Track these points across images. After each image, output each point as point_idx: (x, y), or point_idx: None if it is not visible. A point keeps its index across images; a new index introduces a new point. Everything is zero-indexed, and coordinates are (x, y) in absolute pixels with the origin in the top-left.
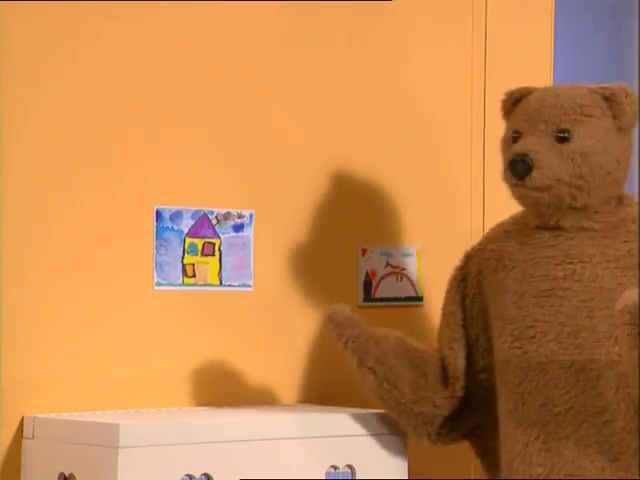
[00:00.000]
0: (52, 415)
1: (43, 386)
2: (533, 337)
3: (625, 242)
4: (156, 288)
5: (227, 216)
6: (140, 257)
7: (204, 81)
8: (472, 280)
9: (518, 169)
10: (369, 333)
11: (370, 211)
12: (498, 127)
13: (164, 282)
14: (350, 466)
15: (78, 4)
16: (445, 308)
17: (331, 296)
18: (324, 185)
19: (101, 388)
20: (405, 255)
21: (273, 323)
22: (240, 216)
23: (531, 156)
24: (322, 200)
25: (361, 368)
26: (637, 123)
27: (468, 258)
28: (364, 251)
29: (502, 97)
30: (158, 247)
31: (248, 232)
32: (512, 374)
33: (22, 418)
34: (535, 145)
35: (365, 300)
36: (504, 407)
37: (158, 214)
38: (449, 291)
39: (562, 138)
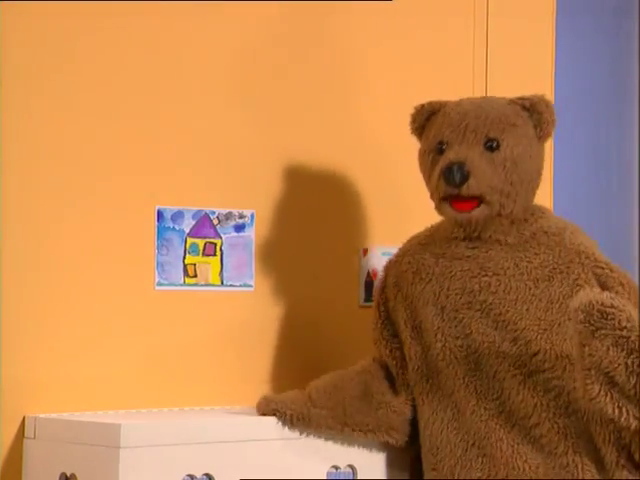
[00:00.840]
0: (53, 415)
1: (44, 386)
2: (461, 347)
3: (537, 254)
4: (157, 288)
5: (228, 216)
6: (141, 257)
7: (205, 81)
8: (390, 292)
9: (455, 177)
10: (304, 401)
11: (371, 211)
12: None
13: (165, 282)
14: (351, 466)
15: (78, 4)
16: (374, 322)
17: (332, 296)
18: (325, 185)
19: (102, 388)
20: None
21: (274, 323)
22: (241, 216)
23: (467, 164)
24: (323, 200)
25: (319, 430)
26: (551, 134)
27: (386, 270)
28: (365, 251)
29: (412, 111)
30: (159, 247)
31: (249, 232)
32: (434, 386)
33: (23, 418)
34: (468, 154)
35: (366, 300)
36: (442, 415)
37: (159, 214)
38: (374, 305)
39: (491, 147)
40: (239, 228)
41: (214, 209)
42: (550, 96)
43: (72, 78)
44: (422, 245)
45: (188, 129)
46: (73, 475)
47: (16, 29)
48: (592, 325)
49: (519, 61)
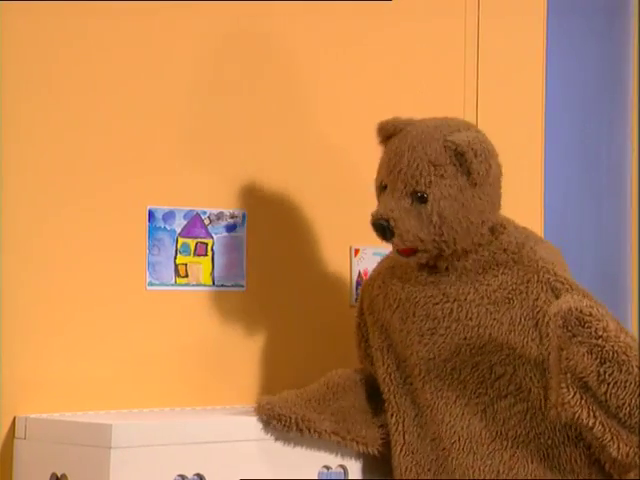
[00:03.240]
0: (44, 415)
1: (35, 386)
2: (419, 374)
3: (495, 276)
4: (149, 288)
5: (220, 216)
6: (133, 257)
7: (196, 82)
8: (366, 315)
9: (380, 234)
10: (307, 406)
11: (362, 211)
12: (492, 127)
13: (157, 282)
14: (342, 466)
15: (78, 4)
16: (357, 342)
17: (323, 296)
18: (316, 185)
19: (93, 388)
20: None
21: (265, 323)
22: (233, 216)
23: (390, 223)
24: (314, 200)
25: (319, 436)
26: (494, 174)
27: (362, 292)
28: (356, 251)
29: (377, 126)
30: (151, 247)
31: (241, 232)
32: (408, 408)
33: (14, 418)
34: (394, 210)
35: (357, 300)
36: (407, 439)
37: (151, 214)
38: (355, 325)
39: (420, 198)
40: (230, 228)
41: (205, 209)
42: (540, 97)
43: (66, 79)
44: (391, 269)
45: (179, 129)
46: (64, 475)
47: (16, 29)
48: (569, 331)
49: (510, 61)
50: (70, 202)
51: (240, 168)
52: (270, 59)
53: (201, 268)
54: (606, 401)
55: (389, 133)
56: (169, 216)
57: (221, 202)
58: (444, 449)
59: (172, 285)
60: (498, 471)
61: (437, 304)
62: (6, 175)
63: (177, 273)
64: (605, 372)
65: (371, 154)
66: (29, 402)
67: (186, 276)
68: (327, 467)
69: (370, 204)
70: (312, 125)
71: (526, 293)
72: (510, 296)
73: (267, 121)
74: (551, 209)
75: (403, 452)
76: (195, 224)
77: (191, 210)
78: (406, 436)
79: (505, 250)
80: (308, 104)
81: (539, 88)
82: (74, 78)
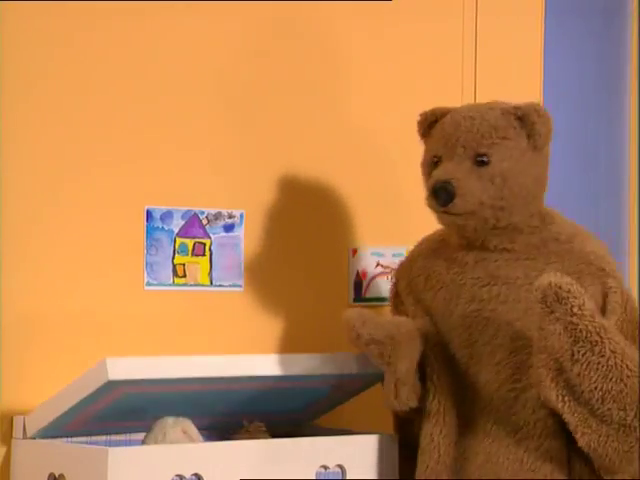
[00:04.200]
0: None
1: (33, 386)
2: (462, 357)
3: (547, 264)
4: (146, 288)
5: (218, 216)
6: (130, 257)
7: (195, 81)
8: (403, 295)
9: (441, 197)
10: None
11: (361, 211)
12: None
13: (154, 282)
14: (340, 466)
15: (78, 4)
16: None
17: (322, 296)
18: (315, 185)
19: None
20: (396, 255)
21: (263, 323)
22: (231, 216)
23: (452, 183)
24: (313, 200)
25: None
26: (551, 140)
27: (398, 272)
28: (355, 251)
29: (417, 118)
30: (148, 247)
31: (239, 232)
32: (450, 389)
33: (11, 418)
34: (455, 171)
35: (355, 300)
36: (448, 417)
37: (148, 214)
38: (392, 308)
39: (481, 162)
40: (228, 228)
41: (203, 209)
42: (538, 96)
43: (64, 79)
44: (433, 250)
45: (177, 129)
46: (62, 475)
47: (16, 29)
48: (548, 307)
49: (508, 61)
50: (68, 202)
51: (238, 168)
52: (269, 59)
53: (199, 268)
54: (580, 384)
55: (434, 119)
56: (167, 216)
57: (219, 202)
58: (475, 431)
59: (170, 285)
60: (522, 460)
61: (484, 286)
62: (3, 175)
63: (175, 273)
64: (579, 351)
65: (368, 154)
66: (27, 402)
67: (184, 276)
68: (325, 467)
69: (369, 204)
70: (308, 127)
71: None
72: None
73: (265, 121)
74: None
75: (443, 433)
76: (193, 224)
77: (189, 210)
78: (446, 417)
79: (556, 240)
80: (304, 104)
81: (537, 88)
82: (72, 78)
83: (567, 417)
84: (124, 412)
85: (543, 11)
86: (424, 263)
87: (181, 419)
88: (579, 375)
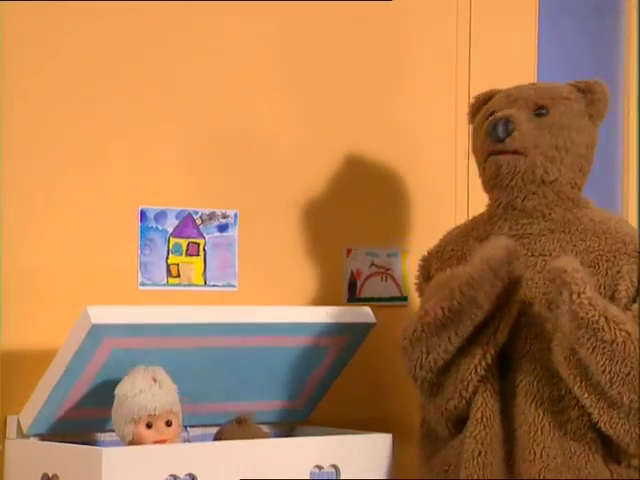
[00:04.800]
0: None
1: (26, 386)
2: (497, 329)
3: (583, 240)
4: (140, 288)
5: (212, 216)
6: (125, 257)
7: (189, 82)
8: None
9: (499, 130)
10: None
11: (355, 211)
12: None
13: (148, 282)
14: (334, 466)
15: (78, 4)
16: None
17: (316, 296)
18: (309, 185)
19: None
20: (390, 255)
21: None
22: (225, 216)
23: (512, 119)
24: (307, 200)
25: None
26: (604, 116)
27: (426, 261)
28: (349, 251)
29: (471, 101)
30: (142, 247)
31: (233, 232)
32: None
33: (5, 418)
34: (515, 113)
35: (350, 300)
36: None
37: (142, 214)
38: (419, 293)
39: (540, 114)
40: (222, 228)
41: (197, 209)
42: None
43: (62, 79)
44: (463, 233)
45: (171, 129)
46: (55, 476)
47: (16, 29)
48: (557, 289)
49: (502, 61)
50: (62, 201)
51: (232, 168)
52: (263, 59)
53: (193, 268)
54: (589, 365)
55: (487, 98)
56: (161, 216)
57: (213, 202)
58: (516, 404)
59: (164, 285)
60: (566, 430)
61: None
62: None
63: (169, 273)
64: (583, 336)
65: (363, 155)
66: (20, 402)
67: (178, 276)
68: (319, 467)
69: (363, 204)
70: (302, 125)
71: (612, 262)
72: (597, 261)
73: (258, 122)
74: None
75: (483, 424)
76: (187, 224)
77: (183, 210)
78: (489, 402)
79: (592, 220)
80: (298, 104)
81: None
82: (68, 78)
83: (581, 397)
84: (117, 382)
85: (537, 11)
86: (455, 246)
87: (152, 367)
88: (586, 357)
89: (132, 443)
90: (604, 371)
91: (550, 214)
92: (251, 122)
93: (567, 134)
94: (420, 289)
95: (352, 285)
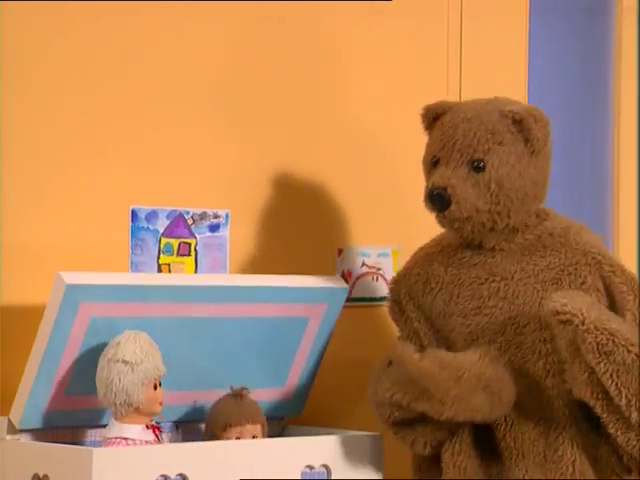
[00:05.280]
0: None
1: (17, 386)
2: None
3: (543, 257)
4: None
5: (203, 216)
6: (116, 257)
7: (181, 83)
8: (405, 304)
9: (437, 203)
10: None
11: (346, 211)
12: None
13: None
14: (325, 466)
15: (78, 4)
16: (404, 337)
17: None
18: (300, 185)
19: None
20: (381, 255)
21: None
22: (216, 216)
23: (448, 190)
24: (298, 200)
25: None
26: (548, 143)
27: (395, 284)
28: (340, 251)
29: (421, 112)
30: (134, 247)
31: (224, 232)
32: None
33: None
34: (451, 178)
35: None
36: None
37: (134, 214)
38: (395, 321)
39: (477, 167)
40: (214, 228)
41: (188, 209)
42: (523, 95)
43: (57, 79)
44: (429, 255)
45: (162, 129)
46: (46, 476)
47: (16, 29)
48: (561, 331)
49: (493, 61)
50: (53, 201)
51: (223, 168)
52: (256, 61)
53: (184, 268)
54: (607, 386)
55: (436, 114)
56: (152, 216)
57: (204, 202)
58: (489, 430)
59: None
60: (546, 453)
61: (483, 283)
62: None
63: (160, 273)
64: (598, 363)
65: (351, 155)
66: (10, 402)
67: None
68: (310, 467)
69: (354, 204)
70: (294, 126)
71: (575, 275)
72: (558, 276)
73: (250, 122)
74: None
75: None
76: (178, 224)
77: (174, 210)
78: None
79: (551, 234)
80: (290, 105)
81: (521, 87)
82: (62, 78)
83: (602, 415)
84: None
85: (527, 11)
86: (421, 269)
87: (138, 331)
88: (603, 377)
89: (141, 407)
90: (619, 393)
91: (510, 246)
92: (242, 122)
93: (508, 186)
94: (392, 312)
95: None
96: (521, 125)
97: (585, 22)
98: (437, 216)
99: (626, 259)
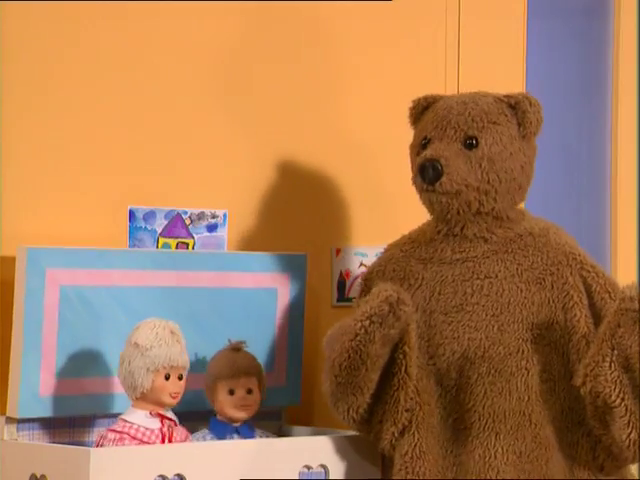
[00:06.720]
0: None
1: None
2: (443, 354)
3: (525, 257)
4: None
5: (201, 216)
6: None
7: (179, 83)
8: None
9: (428, 174)
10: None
11: (344, 211)
12: None
13: None
14: (323, 466)
15: (78, 4)
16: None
17: (306, 296)
18: (298, 185)
19: None
20: (379, 255)
21: None
22: (214, 216)
23: (441, 162)
24: (296, 200)
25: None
26: (540, 130)
27: (367, 280)
28: (338, 251)
29: (410, 105)
30: (131, 247)
31: (222, 232)
32: (430, 390)
33: None
34: (444, 151)
35: (339, 300)
36: (427, 421)
37: (131, 214)
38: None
39: (470, 145)
40: (211, 228)
41: (186, 209)
42: None
43: (54, 79)
44: (404, 252)
45: (160, 129)
46: (43, 476)
47: (16, 29)
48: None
49: (490, 62)
50: (51, 201)
51: (221, 168)
52: (254, 59)
53: None
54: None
55: (427, 104)
56: (150, 216)
57: (202, 202)
58: (465, 428)
59: None
60: (521, 452)
61: (466, 281)
62: None
63: None
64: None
65: (349, 155)
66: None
67: None
68: (308, 467)
69: (352, 204)
70: (292, 126)
71: (557, 275)
72: (542, 276)
73: (248, 122)
74: (531, 210)
75: (426, 432)
76: (176, 224)
77: (172, 210)
78: (427, 417)
79: (531, 234)
80: (288, 105)
81: (519, 89)
82: (61, 79)
83: (620, 412)
84: (85, 341)
85: (525, 12)
86: (397, 266)
87: (167, 321)
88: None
89: (146, 393)
90: None
91: (491, 237)
92: (240, 122)
93: (499, 165)
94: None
95: (341, 285)
96: (516, 108)
97: (583, 23)
98: (426, 191)
99: (626, 259)
